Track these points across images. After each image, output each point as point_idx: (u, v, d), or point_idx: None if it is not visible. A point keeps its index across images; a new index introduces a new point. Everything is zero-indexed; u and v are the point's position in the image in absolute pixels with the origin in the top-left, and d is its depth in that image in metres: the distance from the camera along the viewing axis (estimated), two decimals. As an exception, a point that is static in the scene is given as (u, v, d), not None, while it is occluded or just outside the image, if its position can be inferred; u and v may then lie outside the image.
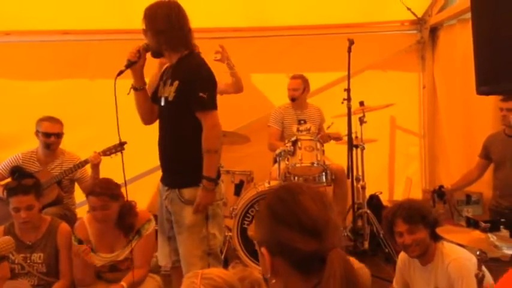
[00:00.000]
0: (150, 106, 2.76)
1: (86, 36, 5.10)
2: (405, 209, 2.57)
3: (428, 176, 5.33)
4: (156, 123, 2.88)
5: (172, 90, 2.63)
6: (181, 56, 2.68)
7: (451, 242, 2.52)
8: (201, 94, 2.57)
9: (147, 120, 2.80)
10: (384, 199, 4.82)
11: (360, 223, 4.09)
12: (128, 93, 2.68)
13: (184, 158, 2.68)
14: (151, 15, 2.66)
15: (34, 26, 4.96)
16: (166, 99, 2.66)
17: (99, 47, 5.09)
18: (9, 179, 3.80)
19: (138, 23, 4.80)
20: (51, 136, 3.86)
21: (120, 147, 3.86)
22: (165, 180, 2.80)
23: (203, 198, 2.62)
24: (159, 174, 2.98)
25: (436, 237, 2.53)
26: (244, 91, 4.71)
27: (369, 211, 4.10)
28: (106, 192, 3.03)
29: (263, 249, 1.26)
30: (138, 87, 2.67)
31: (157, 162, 2.92)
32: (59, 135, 3.91)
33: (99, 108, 4.94)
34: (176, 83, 2.62)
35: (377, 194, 4.62)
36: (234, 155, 4.82)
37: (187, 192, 2.66)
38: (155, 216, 3.14)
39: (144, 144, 3.98)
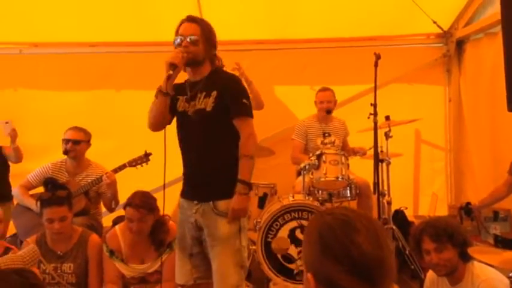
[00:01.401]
0: (167, 114, 2.72)
1: (112, 48, 5.20)
2: (432, 227, 2.52)
3: (454, 192, 5.24)
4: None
5: (211, 101, 2.62)
6: (212, 68, 2.71)
7: (482, 262, 2.46)
8: (244, 101, 2.64)
9: (158, 127, 2.74)
10: (409, 214, 4.75)
11: (385, 239, 4.02)
12: (156, 97, 2.61)
13: (220, 169, 2.66)
14: (207, 25, 2.70)
15: (62, 38, 5.07)
16: (201, 111, 2.64)
17: (125, 58, 5.18)
18: (38, 189, 3.86)
19: (163, 36, 4.90)
20: (68, 142, 3.91)
21: (145, 158, 3.92)
22: (194, 193, 2.71)
23: (238, 204, 2.59)
24: (179, 186, 2.89)
25: (466, 257, 2.47)
26: (268, 103, 4.73)
27: (394, 227, 4.03)
28: (145, 205, 3.10)
29: (309, 276, 1.19)
30: (167, 93, 2.59)
31: (179, 174, 2.83)
32: (75, 142, 3.93)
33: (124, 118, 5.03)
34: (214, 93, 2.62)
35: (402, 209, 4.55)
36: (258, 167, 4.73)
37: (222, 204, 2.62)
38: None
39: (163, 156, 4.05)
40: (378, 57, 3.95)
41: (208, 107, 2.63)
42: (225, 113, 2.64)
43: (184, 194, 2.78)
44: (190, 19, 2.70)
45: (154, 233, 3.14)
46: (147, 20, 4.79)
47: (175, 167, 2.87)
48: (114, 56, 5.18)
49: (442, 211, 5.04)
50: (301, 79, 5.25)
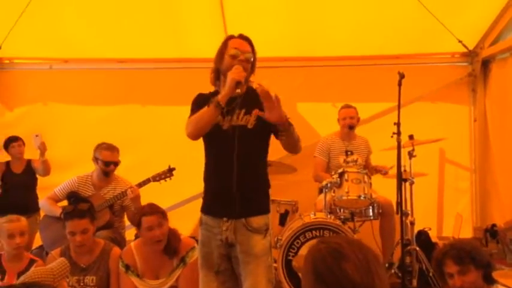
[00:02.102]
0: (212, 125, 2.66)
1: (139, 64, 5.34)
2: (455, 249, 2.49)
3: (480, 213, 5.15)
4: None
5: (252, 118, 2.62)
6: (247, 87, 2.70)
7: (506, 286, 2.41)
8: (288, 116, 2.61)
9: (199, 136, 2.66)
10: (433, 235, 4.68)
11: (408, 260, 3.97)
12: (208, 106, 2.52)
13: (254, 186, 2.65)
14: (253, 45, 2.71)
15: (91, 54, 5.22)
16: (242, 127, 2.62)
17: (151, 74, 5.30)
18: (66, 201, 3.95)
19: (188, 53, 5.02)
20: (110, 165, 4.00)
21: (169, 173, 3.97)
22: (224, 210, 2.62)
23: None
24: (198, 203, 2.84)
25: (490, 280, 2.43)
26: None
27: (417, 248, 3.98)
28: (158, 209, 3.17)
29: None
30: (223, 107, 2.54)
31: (201, 189, 2.77)
32: (117, 164, 4.06)
33: (149, 133, 5.13)
34: (256, 111, 2.61)
35: (426, 230, 4.49)
36: (279, 184, 4.80)
37: (255, 221, 2.60)
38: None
39: (186, 171, 4.10)
40: (401, 76, 3.93)
41: (250, 124, 2.62)
42: (264, 130, 2.63)
43: (210, 211, 2.70)
44: (243, 37, 2.71)
45: (168, 242, 3.18)
46: (173, 37, 4.90)
47: (196, 182, 2.89)
48: (140, 72, 5.31)
49: (467, 233, 4.95)
50: (324, 96, 5.27)
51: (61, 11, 4.62)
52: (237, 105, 2.64)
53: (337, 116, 4.70)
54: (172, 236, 3.22)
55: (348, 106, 4.63)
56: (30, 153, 4.83)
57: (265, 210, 2.68)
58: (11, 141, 4.76)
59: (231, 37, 2.73)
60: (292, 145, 2.63)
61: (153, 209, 3.17)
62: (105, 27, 4.84)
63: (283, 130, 2.52)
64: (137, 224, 3.21)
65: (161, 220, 3.14)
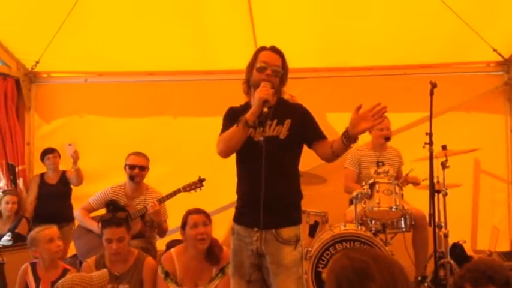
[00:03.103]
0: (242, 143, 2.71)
1: (170, 76, 5.42)
2: (470, 271, 2.40)
3: (518, 225, 4.97)
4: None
5: (285, 129, 2.65)
6: (278, 99, 2.74)
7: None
8: (318, 125, 2.74)
9: (230, 154, 2.71)
10: (468, 248, 4.55)
11: (442, 273, 3.87)
12: (237, 125, 2.58)
13: (285, 197, 2.67)
14: (286, 61, 2.74)
15: (124, 67, 5.35)
16: (274, 138, 2.65)
17: (182, 86, 5.38)
18: (99, 211, 4.04)
19: (218, 65, 5.08)
20: (135, 168, 4.07)
21: (199, 183, 4.01)
22: (255, 221, 2.61)
23: None
24: (233, 211, 2.86)
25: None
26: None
27: (452, 261, 3.87)
28: (203, 211, 3.32)
29: None
30: (253, 126, 2.59)
31: (232, 199, 2.84)
32: (142, 168, 4.10)
33: (180, 144, 5.19)
34: (288, 121, 2.65)
35: (460, 242, 4.37)
36: (309, 194, 4.75)
37: (285, 232, 2.62)
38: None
39: (217, 182, 4.13)
40: (433, 85, 3.86)
41: (282, 135, 2.64)
42: (297, 140, 2.68)
43: (241, 221, 2.73)
44: (275, 50, 2.73)
45: (211, 250, 3.24)
46: (203, 49, 4.97)
47: (226, 192, 2.90)
48: (171, 84, 5.39)
49: (504, 246, 4.78)
50: (354, 106, 5.20)
51: (95, 26, 4.76)
52: (268, 116, 2.64)
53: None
54: (215, 244, 3.30)
55: (384, 117, 4.53)
56: (65, 164, 4.98)
57: (296, 222, 2.68)
58: (47, 153, 4.92)
59: (262, 49, 2.76)
60: (336, 155, 2.69)
61: (199, 210, 3.32)
62: (137, 42, 4.95)
63: (347, 144, 2.60)
64: (183, 224, 3.30)
65: (206, 220, 3.26)
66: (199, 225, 3.21)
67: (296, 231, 2.66)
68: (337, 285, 1.23)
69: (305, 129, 2.69)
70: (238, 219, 2.75)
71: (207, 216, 3.32)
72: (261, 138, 2.63)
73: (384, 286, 1.17)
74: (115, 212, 3.39)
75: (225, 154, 2.69)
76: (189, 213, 3.31)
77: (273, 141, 2.64)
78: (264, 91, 2.53)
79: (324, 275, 3.67)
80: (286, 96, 4.30)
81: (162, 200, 3.96)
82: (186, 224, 3.25)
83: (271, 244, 2.62)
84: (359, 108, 2.58)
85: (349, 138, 2.55)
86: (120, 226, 3.23)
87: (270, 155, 2.61)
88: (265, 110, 2.51)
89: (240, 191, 2.76)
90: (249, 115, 2.54)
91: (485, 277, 2.32)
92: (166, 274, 3.25)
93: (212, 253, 3.24)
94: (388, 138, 4.46)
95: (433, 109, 3.74)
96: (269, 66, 2.64)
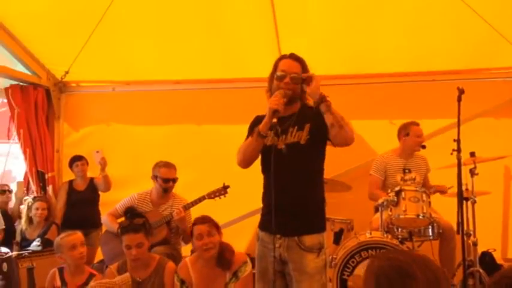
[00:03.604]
0: (259, 153, 2.73)
1: (194, 85, 5.49)
2: (506, 277, 2.32)
3: (549, 234, 4.83)
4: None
5: (305, 134, 2.65)
6: (302, 105, 2.75)
7: None
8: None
9: (250, 164, 2.75)
10: (498, 257, 4.44)
11: (471, 282, 3.78)
12: (255, 139, 2.62)
13: (308, 204, 2.65)
14: (306, 65, 2.74)
15: (150, 76, 5.45)
16: (294, 144, 2.65)
17: (205, 94, 5.44)
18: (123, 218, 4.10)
19: (242, 73, 5.11)
20: (169, 181, 4.14)
21: (223, 190, 4.04)
22: (278, 227, 2.63)
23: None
24: (257, 218, 2.88)
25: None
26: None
27: (481, 270, 3.78)
28: (209, 220, 3.26)
29: None
30: (265, 135, 2.62)
31: (255, 206, 2.86)
32: (175, 180, 4.20)
33: (204, 152, 5.23)
34: (308, 126, 2.64)
35: (490, 251, 4.27)
36: (334, 202, 4.72)
37: (308, 239, 2.61)
38: (252, 259, 3.15)
39: (241, 189, 4.14)
40: (461, 91, 3.81)
41: (302, 140, 2.64)
42: (318, 144, 2.65)
43: (265, 227, 2.74)
44: (294, 57, 2.74)
45: (221, 255, 3.22)
46: (227, 57, 5.01)
47: (252, 199, 2.90)
48: (195, 92, 5.46)
49: (536, 255, 4.66)
50: (380, 113, 5.17)
51: (123, 37, 4.86)
52: (291, 124, 2.67)
53: (394, 132, 4.58)
54: (226, 248, 3.28)
55: (418, 124, 4.47)
56: (93, 171, 5.07)
57: (319, 229, 2.66)
58: (75, 160, 5.03)
59: (282, 58, 2.77)
60: (334, 126, 2.54)
61: (205, 219, 3.27)
62: (163, 51, 5.03)
63: (326, 109, 2.53)
64: (190, 234, 3.30)
65: (211, 230, 3.22)
66: (203, 236, 3.20)
67: (319, 238, 2.64)
68: (377, 284, 1.20)
69: (322, 127, 2.61)
70: (262, 225, 2.77)
71: (213, 225, 3.26)
72: (283, 146, 2.64)
73: (427, 285, 1.15)
74: (133, 218, 3.44)
75: (243, 164, 2.75)
76: (195, 223, 3.29)
77: (294, 148, 2.64)
78: (274, 101, 2.55)
79: (349, 283, 3.63)
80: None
81: (187, 207, 4.01)
82: (193, 235, 3.27)
83: (293, 251, 2.61)
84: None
85: (316, 103, 2.56)
86: (138, 232, 3.27)
87: (292, 161, 2.63)
88: (274, 120, 2.51)
89: (264, 197, 2.77)
90: (261, 125, 2.59)
91: None
92: (182, 282, 3.27)
93: (223, 258, 3.23)
94: (424, 146, 4.40)
95: (461, 115, 3.69)
96: (288, 74, 2.66)
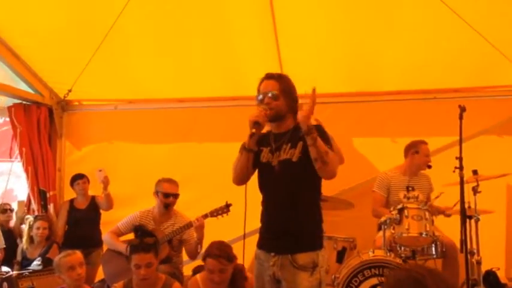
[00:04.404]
0: (250, 168, 2.73)
1: (196, 103, 5.52)
2: None
3: (553, 252, 4.78)
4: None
5: (297, 151, 2.65)
6: (297, 122, 2.72)
7: None
8: (332, 143, 2.69)
9: (243, 181, 2.74)
10: (502, 276, 4.39)
11: (475, 301, 3.75)
12: (240, 153, 2.65)
13: (302, 222, 2.64)
14: (285, 80, 2.77)
15: (153, 94, 5.48)
16: (286, 161, 2.66)
17: (207, 113, 5.46)
18: (128, 235, 4.08)
19: (244, 91, 5.14)
20: (170, 196, 4.14)
21: (226, 208, 4.02)
22: (272, 245, 2.67)
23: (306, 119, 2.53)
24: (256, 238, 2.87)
25: None
26: (346, 155, 4.67)
27: (485, 289, 3.75)
28: (224, 254, 3.20)
29: None
30: (251, 149, 2.64)
31: (258, 225, 2.81)
32: (176, 196, 4.19)
33: (206, 170, 5.23)
34: (301, 144, 2.64)
35: (494, 270, 4.22)
36: (336, 220, 4.74)
37: (301, 258, 2.59)
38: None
39: (243, 207, 4.10)
40: (462, 109, 3.81)
41: (295, 157, 2.64)
42: (311, 162, 2.61)
43: (262, 245, 2.75)
44: (269, 76, 2.78)
45: (234, 282, 3.18)
46: (229, 76, 5.04)
47: (253, 218, 2.89)
48: (197, 111, 5.48)
49: (541, 274, 4.61)
50: (382, 131, 5.18)
51: (125, 55, 4.89)
52: (284, 141, 2.69)
53: (396, 150, 4.59)
54: (238, 275, 3.25)
55: (426, 143, 4.47)
56: (94, 189, 5.06)
57: (314, 247, 2.64)
58: (77, 179, 5.02)
59: (261, 81, 2.79)
60: (315, 158, 2.54)
61: (220, 253, 3.20)
62: (165, 69, 5.06)
63: (311, 143, 2.51)
64: (203, 259, 3.26)
65: (224, 266, 3.18)
66: (214, 272, 3.18)
67: (313, 256, 2.61)
68: None
69: None
70: (259, 243, 2.78)
71: (227, 259, 3.21)
72: (276, 164, 2.67)
73: None
74: (143, 237, 3.42)
75: (236, 181, 2.76)
76: (209, 254, 3.24)
77: (286, 165, 2.66)
78: (253, 114, 2.58)
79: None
80: (312, 121, 4.32)
81: (205, 216, 3.97)
82: (205, 264, 3.24)
83: (286, 269, 2.60)
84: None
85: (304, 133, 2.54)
86: (148, 252, 3.25)
87: (284, 178, 2.65)
88: (253, 131, 2.54)
89: (261, 215, 2.78)
90: (246, 140, 2.62)
91: None
92: None
93: (235, 284, 3.21)
94: (430, 166, 4.42)
95: (463, 133, 3.70)
96: (266, 95, 2.68)
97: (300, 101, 2.83)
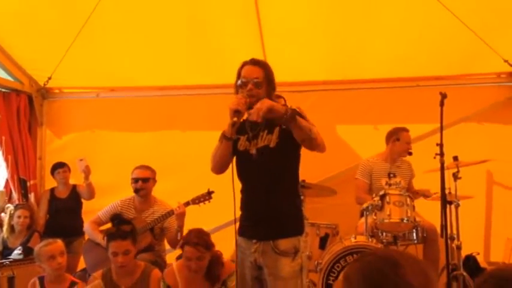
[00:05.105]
0: (229, 157, 2.72)
1: (179, 91, 5.45)
2: (494, 277, 2.34)
3: (532, 237, 4.87)
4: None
5: (274, 137, 2.64)
6: None
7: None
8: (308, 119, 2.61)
9: (222, 170, 2.73)
10: (481, 260, 4.47)
11: (454, 286, 3.81)
12: (220, 142, 2.63)
13: (282, 207, 2.64)
14: (268, 68, 2.72)
15: (135, 82, 5.41)
16: (264, 148, 2.65)
17: (190, 101, 5.41)
18: (108, 225, 4.05)
19: (227, 79, 5.08)
20: (138, 181, 4.10)
21: (208, 196, 4.01)
22: (253, 232, 2.66)
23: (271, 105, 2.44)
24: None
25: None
26: (329, 142, 4.64)
27: (465, 273, 3.80)
28: (202, 242, 3.16)
29: None
30: (231, 137, 2.62)
31: (238, 213, 2.79)
32: (144, 180, 4.12)
33: (189, 158, 5.20)
34: (277, 129, 2.63)
35: (474, 254, 4.29)
36: (319, 207, 4.77)
37: (283, 244, 2.59)
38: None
39: (226, 195, 4.10)
40: (443, 96, 3.84)
41: (272, 143, 2.63)
42: (288, 147, 2.62)
43: (243, 233, 2.74)
44: (254, 62, 2.72)
45: (210, 269, 3.18)
46: (212, 63, 5.00)
47: (237, 205, 2.88)
48: (180, 98, 5.43)
49: (519, 258, 4.70)
50: (365, 118, 5.20)
51: (107, 42, 4.82)
52: (261, 128, 2.67)
53: (378, 137, 4.62)
54: (215, 262, 3.24)
55: (408, 130, 4.51)
56: (76, 178, 5.01)
57: (295, 233, 2.64)
58: (57, 168, 4.96)
59: (243, 64, 2.74)
60: (302, 138, 2.52)
61: (198, 240, 3.16)
62: (148, 57, 5.00)
63: (284, 121, 2.46)
64: (180, 247, 3.25)
65: (201, 254, 3.15)
66: (192, 260, 3.15)
67: (295, 242, 2.61)
68: (369, 282, 1.19)
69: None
70: (240, 231, 2.76)
71: (204, 247, 3.17)
72: (254, 151, 2.65)
73: (415, 272, 1.17)
74: (120, 225, 3.39)
75: (215, 170, 2.75)
76: (187, 242, 3.19)
77: (264, 152, 2.65)
78: (233, 102, 2.52)
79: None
80: (304, 101, 4.26)
81: (186, 204, 3.94)
82: (183, 252, 3.22)
83: (268, 256, 2.60)
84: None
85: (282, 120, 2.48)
86: (125, 239, 3.23)
87: (262, 165, 2.64)
88: (235, 119, 2.48)
89: (241, 203, 2.75)
90: (226, 128, 2.58)
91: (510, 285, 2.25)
92: None
93: (211, 273, 3.20)
94: (411, 153, 4.46)
95: (444, 120, 3.73)
96: (248, 81, 2.63)
97: (280, 89, 2.81)
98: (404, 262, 1.17)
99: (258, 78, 2.64)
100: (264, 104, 2.44)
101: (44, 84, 5.44)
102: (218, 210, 4.25)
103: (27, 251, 4.34)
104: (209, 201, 4.00)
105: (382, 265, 1.18)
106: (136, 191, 4.09)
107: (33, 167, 5.30)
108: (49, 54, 5.00)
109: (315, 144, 2.57)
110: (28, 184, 5.16)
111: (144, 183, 4.10)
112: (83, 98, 5.63)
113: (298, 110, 3.46)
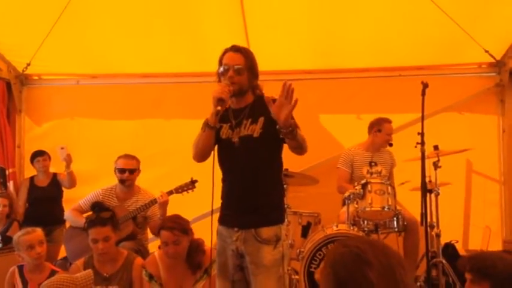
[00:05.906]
0: (213, 145, 2.70)
1: (162, 79, 5.40)
2: (474, 259, 2.40)
3: (510, 225, 4.97)
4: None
5: (258, 127, 2.62)
6: (255, 96, 2.72)
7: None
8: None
9: (204, 158, 2.72)
10: (460, 248, 4.55)
11: (434, 273, 3.87)
12: (203, 130, 2.61)
13: (264, 196, 2.64)
14: (250, 55, 2.70)
15: (117, 69, 5.34)
16: (247, 137, 2.64)
17: (174, 89, 5.36)
18: (90, 213, 4.01)
19: (210, 67, 5.05)
20: (125, 172, 4.05)
21: (191, 185, 4.00)
22: (235, 221, 2.65)
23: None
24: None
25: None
26: (313, 132, 4.67)
27: (444, 261, 3.87)
28: (178, 226, 3.14)
29: None
30: (214, 126, 2.61)
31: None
32: (131, 171, 4.08)
33: (172, 147, 5.17)
34: (262, 119, 2.62)
35: (453, 242, 4.37)
36: (301, 195, 4.80)
37: (264, 232, 2.59)
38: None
39: (210, 184, 4.09)
40: (425, 85, 3.87)
41: (256, 133, 2.62)
42: (272, 138, 2.61)
43: (224, 221, 2.74)
44: (235, 49, 2.69)
45: (191, 256, 3.17)
46: (195, 51, 4.96)
47: (218, 195, 2.88)
48: (164, 86, 5.38)
49: (496, 246, 4.79)
50: (348, 108, 5.23)
51: (88, 28, 4.74)
52: (244, 116, 2.65)
53: (361, 126, 4.65)
54: (195, 249, 3.22)
55: (390, 121, 4.55)
56: (56, 166, 4.94)
57: (276, 221, 2.65)
58: (37, 156, 4.89)
59: (225, 52, 2.72)
60: (295, 147, 2.56)
61: (174, 225, 3.15)
62: (130, 43, 4.93)
63: (286, 134, 2.46)
64: (157, 233, 3.25)
65: (178, 238, 3.13)
66: (168, 244, 3.14)
67: (276, 230, 2.62)
68: (336, 276, 1.22)
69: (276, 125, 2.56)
70: (220, 219, 2.76)
71: (182, 231, 3.15)
72: (237, 140, 2.64)
73: (381, 271, 1.17)
74: (100, 212, 3.37)
75: (197, 158, 2.73)
76: (162, 227, 3.18)
77: (247, 141, 2.63)
78: (217, 90, 2.51)
79: (317, 276, 3.65)
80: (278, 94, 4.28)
81: (169, 193, 3.92)
82: (160, 238, 3.20)
83: (250, 244, 2.60)
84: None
85: (281, 131, 2.46)
86: (105, 225, 3.21)
87: (245, 154, 2.63)
88: (219, 108, 2.48)
89: (222, 191, 2.75)
90: (209, 116, 2.57)
91: (483, 268, 2.30)
92: (150, 277, 3.22)
93: (192, 260, 3.19)
94: (391, 144, 4.50)
95: (425, 110, 3.76)
96: (230, 67, 2.62)
97: (263, 77, 2.80)
98: (375, 261, 1.19)
99: (239, 65, 2.62)
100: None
101: (23, 71, 5.34)
102: (201, 199, 4.25)
103: (6, 240, 4.28)
104: (192, 190, 3.98)
105: (350, 261, 1.21)
106: (122, 181, 4.06)
107: (12, 155, 5.21)
108: (28, 39, 4.90)
109: (303, 152, 2.60)
110: (7, 172, 5.08)
111: (130, 174, 4.07)
112: (63, 85, 5.54)
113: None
